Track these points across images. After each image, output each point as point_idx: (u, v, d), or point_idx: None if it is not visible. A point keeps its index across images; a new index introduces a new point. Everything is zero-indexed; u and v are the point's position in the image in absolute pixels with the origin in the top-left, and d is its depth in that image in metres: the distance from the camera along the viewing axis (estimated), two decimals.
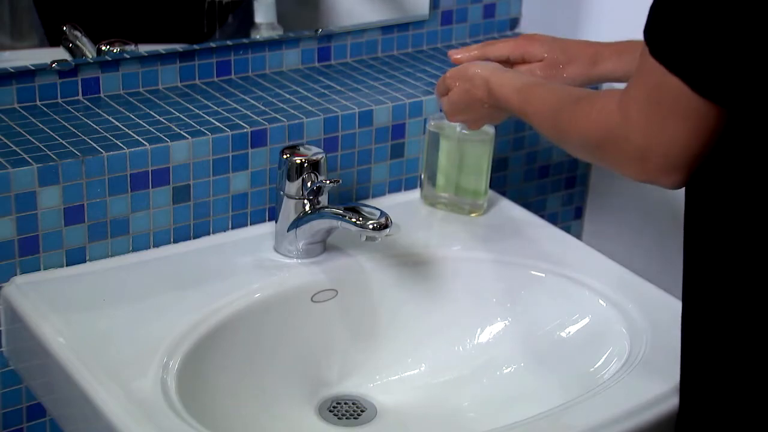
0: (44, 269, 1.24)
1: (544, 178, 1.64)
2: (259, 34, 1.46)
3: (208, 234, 1.34)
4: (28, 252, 1.22)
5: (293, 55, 1.49)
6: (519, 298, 1.31)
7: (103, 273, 1.25)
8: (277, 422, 1.21)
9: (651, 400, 1.10)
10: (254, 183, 1.35)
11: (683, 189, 0.94)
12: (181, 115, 1.34)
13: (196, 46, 1.41)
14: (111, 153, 1.24)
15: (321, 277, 1.28)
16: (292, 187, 1.27)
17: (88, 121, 1.30)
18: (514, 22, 1.68)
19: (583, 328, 1.28)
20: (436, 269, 1.33)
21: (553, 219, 1.65)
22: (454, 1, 1.60)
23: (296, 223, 1.28)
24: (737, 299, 0.91)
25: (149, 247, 1.30)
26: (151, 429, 1.02)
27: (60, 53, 1.34)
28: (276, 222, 1.30)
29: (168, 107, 1.35)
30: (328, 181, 1.27)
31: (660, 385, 1.12)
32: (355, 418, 1.24)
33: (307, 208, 1.27)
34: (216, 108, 1.36)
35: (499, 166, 1.55)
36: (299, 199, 1.27)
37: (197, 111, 1.35)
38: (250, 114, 1.35)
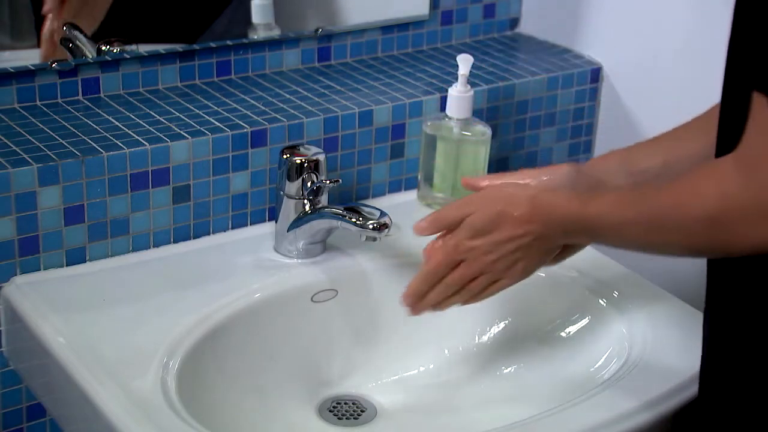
0: (44, 269, 1.24)
1: None
2: (257, 35, 1.46)
3: (208, 234, 1.34)
4: (28, 252, 1.22)
5: (293, 55, 1.49)
6: (519, 298, 1.30)
7: (103, 273, 1.25)
8: (277, 422, 1.21)
9: (651, 400, 1.10)
10: (254, 183, 1.35)
11: None
12: (181, 115, 1.34)
13: (196, 46, 1.41)
14: (111, 153, 1.24)
15: (321, 277, 1.28)
16: (292, 187, 1.27)
17: (88, 121, 1.30)
18: (514, 22, 1.68)
19: (583, 328, 1.28)
20: None
21: None
22: (454, 1, 1.60)
23: (296, 223, 1.28)
24: (762, 292, 0.91)
25: (149, 247, 1.30)
26: (151, 429, 1.02)
27: (60, 53, 1.34)
28: (276, 222, 1.30)
29: (168, 107, 1.35)
30: (328, 181, 1.27)
31: (660, 385, 1.12)
32: (355, 418, 1.24)
33: (307, 208, 1.27)
34: (216, 108, 1.36)
35: (499, 166, 1.55)
36: (299, 199, 1.27)
37: (197, 111, 1.35)
38: (250, 114, 1.35)
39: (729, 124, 0.91)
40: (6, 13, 1.34)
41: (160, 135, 1.28)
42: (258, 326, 1.22)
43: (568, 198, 1.00)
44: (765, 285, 0.91)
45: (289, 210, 1.28)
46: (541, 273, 1.30)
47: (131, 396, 1.05)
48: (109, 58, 1.36)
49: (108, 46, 1.36)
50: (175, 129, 1.30)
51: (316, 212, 1.26)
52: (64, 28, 1.34)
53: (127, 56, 1.37)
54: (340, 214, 1.23)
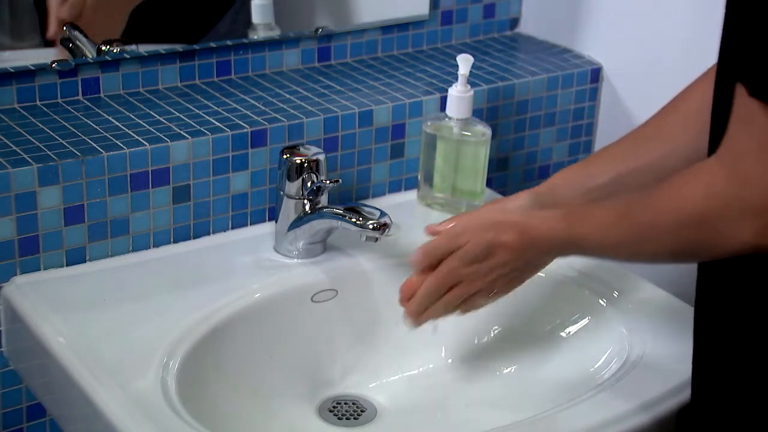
0: (44, 269, 1.24)
1: (544, 178, 1.63)
2: (257, 35, 1.46)
3: (208, 234, 1.34)
4: (28, 252, 1.22)
5: (293, 55, 1.49)
6: (519, 298, 1.30)
7: (103, 273, 1.25)
8: (277, 422, 1.21)
9: (651, 400, 1.10)
10: (254, 183, 1.35)
11: None
12: (181, 115, 1.34)
13: (196, 46, 1.41)
14: (111, 153, 1.24)
15: (321, 277, 1.28)
16: (292, 187, 1.27)
17: (88, 121, 1.30)
18: (514, 22, 1.68)
19: (583, 328, 1.28)
20: None
21: None
22: (454, 1, 1.60)
23: (296, 223, 1.28)
24: (750, 293, 0.91)
25: (149, 247, 1.30)
26: (151, 429, 1.02)
27: (60, 53, 1.34)
28: (276, 222, 1.30)
29: (168, 107, 1.35)
30: (328, 181, 1.27)
31: (659, 386, 1.12)
32: (355, 418, 1.24)
33: (307, 208, 1.27)
34: (216, 108, 1.36)
35: (499, 166, 1.55)
36: (299, 199, 1.27)
37: (197, 111, 1.35)
38: (250, 114, 1.35)
39: (720, 123, 0.91)
40: (6, 13, 1.34)
41: (160, 135, 1.28)
42: (258, 326, 1.22)
43: (555, 220, 1.01)
44: (752, 286, 0.91)
45: (289, 210, 1.28)
46: (541, 273, 1.30)
47: (131, 396, 1.05)
48: (109, 58, 1.36)
49: (108, 46, 1.36)
50: (175, 129, 1.30)
51: (316, 212, 1.26)
52: (64, 28, 1.34)
53: (127, 56, 1.37)
54: (340, 214, 1.23)
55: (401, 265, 1.31)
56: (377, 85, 1.47)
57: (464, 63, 1.37)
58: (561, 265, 1.31)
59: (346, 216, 1.22)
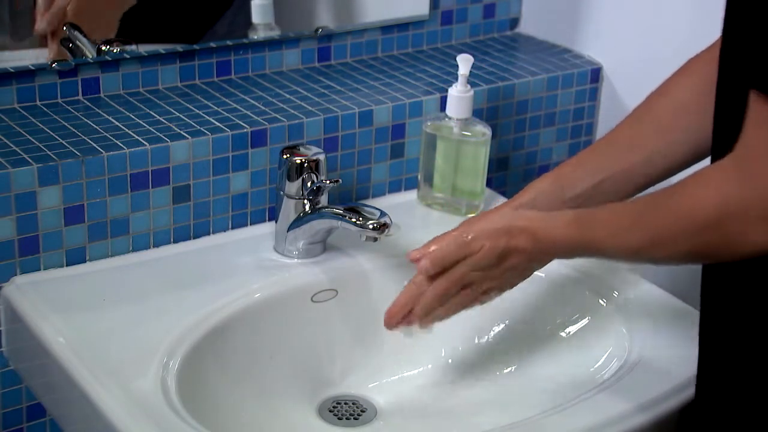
0: (44, 269, 1.24)
1: None
2: (257, 35, 1.46)
3: (208, 234, 1.34)
4: (28, 252, 1.22)
5: (293, 55, 1.49)
6: (519, 298, 1.31)
7: (103, 273, 1.25)
8: (277, 422, 1.21)
9: (651, 400, 1.10)
10: (254, 183, 1.35)
11: None
12: (181, 115, 1.34)
13: (196, 46, 1.41)
14: (111, 153, 1.24)
15: (321, 277, 1.28)
16: (292, 187, 1.27)
17: (88, 121, 1.30)
18: (514, 22, 1.68)
19: (583, 328, 1.28)
20: None
21: None
22: (454, 1, 1.60)
23: (296, 223, 1.28)
24: (756, 293, 0.91)
25: (149, 247, 1.30)
26: (151, 429, 1.02)
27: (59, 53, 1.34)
28: (276, 222, 1.30)
29: (168, 107, 1.35)
30: (328, 181, 1.27)
31: (659, 385, 1.12)
32: (355, 418, 1.24)
33: (307, 208, 1.27)
34: (216, 108, 1.36)
35: (499, 166, 1.55)
36: (299, 199, 1.27)
37: (197, 111, 1.35)
38: (250, 114, 1.35)
39: (725, 126, 0.91)
40: (6, 13, 1.34)
41: (160, 135, 1.28)
42: (258, 326, 1.22)
43: (567, 225, 1.01)
44: (759, 286, 0.91)
45: (289, 210, 1.28)
46: (541, 273, 1.30)
47: (131, 396, 1.05)
48: (109, 58, 1.36)
49: (108, 46, 1.36)
50: (175, 129, 1.30)
51: (316, 212, 1.26)
52: (64, 28, 1.34)
53: (127, 56, 1.37)
54: (340, 214, 1.23)
55: (401, 265, 1.31)
56: (377, 85, 1.47)
57: (464, 63, 1.38)
58: (561, 265, 1.31)
59: (346, 216, 1.22)
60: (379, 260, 1.31)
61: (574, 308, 1.29)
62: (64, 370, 1.10)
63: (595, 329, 1.27)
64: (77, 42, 1.35)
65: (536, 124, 1.57)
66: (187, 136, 1.29)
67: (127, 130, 1.29)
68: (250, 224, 1.37)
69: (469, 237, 1.05)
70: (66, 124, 1.29)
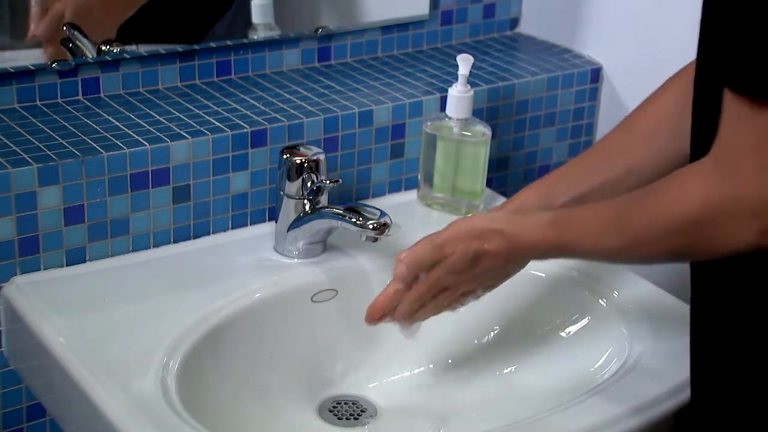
0: (44, 269, 1.24)
1: None
2: (257, 35, 1.46)
3: (208, 234, 1.34)
4: (28, 252, 1.22)
5: (293, 55, 1.49)
6: (519, 298, 1.31)
7: (103, 273, 1.25)
8: (277, 422, 1.21)
9: (650, 401, 1.10)
10: (254, 183, 1.35)
11: None
12: (181, 115, 1.34)
13: (196, 46, 1.41)
14: (111, 153, 1.24)
15: (321, 277, 1.28)
16: (292, 187, 1.27)
17: (88, 121, 1.30)
18: (514, 22, 1.68)
19: (583, 328, 1.28)
20: None
21: None
22: (454, 1, 1.60)
23: (296, 223, 1.28)
24: (745, 291, 0.91)
25: (149, 247, 1.30)
26: (151, 429, 1.02)
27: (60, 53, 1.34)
28: (276, 222, 1.30)
29: (168, 107, 1.35)
30: (328, 181, 1.27)
31: (659, 386, 1.12)
32: (355, 418, 1.24)
33: (307, 208, 1.27)
34: (216, 108, 1.36)
35: (499, 166, 1.56)
36: (299, 199, 1.27)
37: (197, 111, 1.35)
38: (250, 114, 1.36)
39: (702, 127, 0.91)
40: (6, 13, 1.34)
41: (160, 135, 1.28)
42: (258, 326, 1.22)
43: (543, 227, 1.00)
44: (747, 284, 0.91)
45: (289, 210, 1.28)
46: (541, 273, 1.30)
47: (131, 396, 1.06)
48: (109, 58, 1.36)
49: (108, 46, 1.36)
50: (175, 129, 1.30)
51: (316, 212, 1.26)
52: (65, 27, 1.34)
53: (127, 56, 1.37)
54: (340, 214, 1.23)
55: None
56: (377, 85, 1.47)
57: (464, 63, 1.38)
58: (561, 265, 1.31)
59: (346, 216, 1.22)
60: (379, 260, 1.31)
61: (574, 308, 1.29)
62: (64, 370, 1.10)
63: (594, 329, 1.27)
64: (77, 42, 1.35)
65: (536, 124, 1.57)
66: (187, 136, 1.29)
67: (127, 130, 1.29)
68: (250, 224, 1.37)
69: (442, 240, 1.05)
70: (66, 124, 1.29)
